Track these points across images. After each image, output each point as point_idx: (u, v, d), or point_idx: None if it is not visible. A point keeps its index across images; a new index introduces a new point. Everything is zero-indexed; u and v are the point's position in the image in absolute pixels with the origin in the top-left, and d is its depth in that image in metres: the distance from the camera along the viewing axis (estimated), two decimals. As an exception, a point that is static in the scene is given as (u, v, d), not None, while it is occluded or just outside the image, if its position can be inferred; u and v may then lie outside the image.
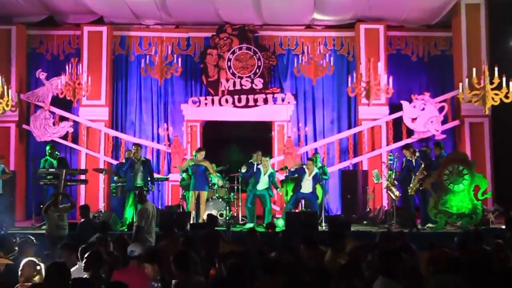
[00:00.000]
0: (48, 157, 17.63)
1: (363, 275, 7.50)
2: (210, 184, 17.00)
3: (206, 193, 16.68)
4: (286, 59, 20.55)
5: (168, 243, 10.61)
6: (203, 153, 16.69)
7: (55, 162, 17.54)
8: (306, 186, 16.49)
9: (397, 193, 16.01)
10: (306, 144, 20.02)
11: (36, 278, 7.90)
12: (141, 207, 13.76)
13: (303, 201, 17.00)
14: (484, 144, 19.13)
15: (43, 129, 19.44)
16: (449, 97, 19.36)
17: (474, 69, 16.09)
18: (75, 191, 19.16)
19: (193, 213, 16.35)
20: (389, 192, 16.26)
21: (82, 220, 14.04)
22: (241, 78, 19.93)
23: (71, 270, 8.60)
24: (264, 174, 16.59)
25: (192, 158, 16.85)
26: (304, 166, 16.81)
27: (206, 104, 19.79)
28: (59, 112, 19.60)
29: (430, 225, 15.88)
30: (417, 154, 16.04)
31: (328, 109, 20.45)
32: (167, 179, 19.08)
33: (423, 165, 15.74)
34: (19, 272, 7.96)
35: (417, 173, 15.75)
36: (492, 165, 18.93)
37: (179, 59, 19.40)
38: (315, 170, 16.57)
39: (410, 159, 16.06)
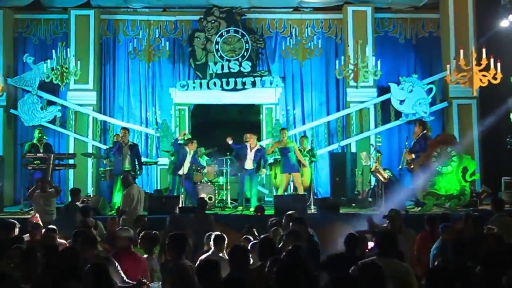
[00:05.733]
0: (35, 142, 17.58)
1: None
2: (301, 165, 17.04)
3: (299, 175, 16.78)
4: (274, 42, 20.49)
5: None
6: (286, 132, 16.98)
7: (41, 147, 17.48)
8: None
9: (385, 175, 16.06)
10: (295, 127, 20.02)
11: None
12: (125, 191, 13.77)
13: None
14: (472, 125, 19.19)
15: (31, 114, 19.37)
16: (437, 78, 19.40)
17: (461, 51, 16.09)
18: (63, 176, 19.16)
19: (182, 197, 16.37)
20: (377, 174, 16.30)
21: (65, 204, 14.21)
22: (229, 61, 19.84)
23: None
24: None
25: (279, 141, 16.93)
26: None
27: (194, 87, 19.73)
28: (47, 96, 19.52)
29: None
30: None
31: (317, 92, 20.42)
32: (155, 163, 19.09)
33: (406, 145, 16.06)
34: None
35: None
36: (480, 146, 19.00)
37: (167, 43, 19.34)
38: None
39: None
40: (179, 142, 17.03)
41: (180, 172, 16.63)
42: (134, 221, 11.66)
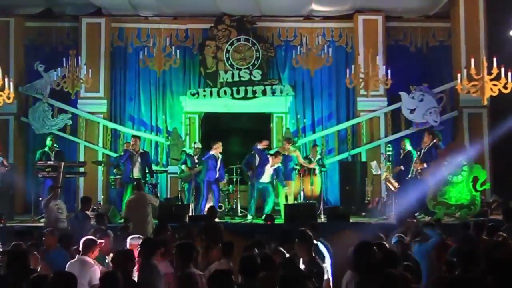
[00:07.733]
0: (46, 150, 17.64)
1: None
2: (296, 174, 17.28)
3: (292, 183, 16.93)
4: (285, 51, 20.52)
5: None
6: (290, 142, 17.25)
7: (52, 155, 17.54)
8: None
9: (395, 184, 16.02)
10: (305, 136, 20.01)
11: None
12: None
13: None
14: (482, 135, 19.13)
15: (41, 122, 19.42)
16: (447, 87, 19.36)
17: (472, 60, 15.98)
18: (74, 184, 19.19)
19: (192, 206, 16.36)
20: (387, 183, 16.27)
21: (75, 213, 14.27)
22: (239, 69, 19.88)
23: (70, 262, 8.67)
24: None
25: (282, 147, 17.27)
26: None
27: (204, 96, 19.73)
28: (58, 104, 19.58)
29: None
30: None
31: (327, 101, 20.43)
32: (165, 171, 19.09)
33: (418, 154, 15.99)
34: None
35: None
36: (490, 156, 18.92)
37: (178, 51, 19.34)
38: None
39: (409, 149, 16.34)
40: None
41: (265, 181, 16.64)
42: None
